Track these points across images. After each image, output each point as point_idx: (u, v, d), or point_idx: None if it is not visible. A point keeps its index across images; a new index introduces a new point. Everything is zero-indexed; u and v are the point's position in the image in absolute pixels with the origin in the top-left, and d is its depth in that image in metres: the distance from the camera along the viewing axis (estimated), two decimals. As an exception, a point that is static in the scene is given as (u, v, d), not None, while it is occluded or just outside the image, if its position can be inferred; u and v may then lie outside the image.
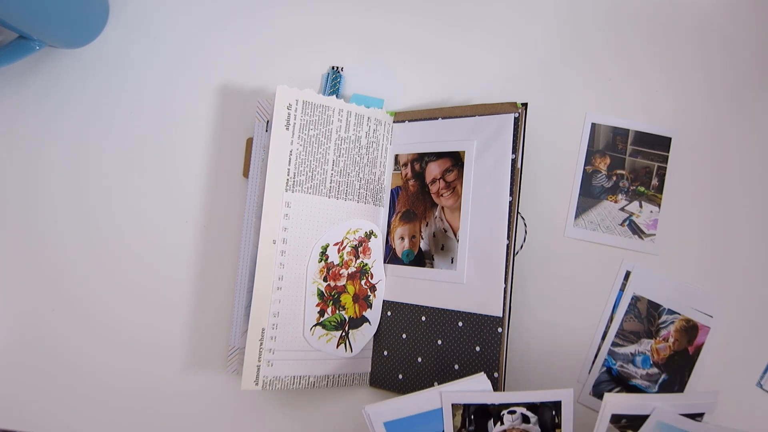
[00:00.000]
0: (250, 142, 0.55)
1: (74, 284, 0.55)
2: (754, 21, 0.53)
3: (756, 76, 0.52)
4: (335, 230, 0.51)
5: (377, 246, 0.52)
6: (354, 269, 0.51)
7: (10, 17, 0.49)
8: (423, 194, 0.51)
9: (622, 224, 0.50)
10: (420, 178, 0.52)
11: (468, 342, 0.47)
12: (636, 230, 0.50)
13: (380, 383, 0.51)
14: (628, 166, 0.51)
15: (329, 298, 0.50)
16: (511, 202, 0.47)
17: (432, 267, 0.50)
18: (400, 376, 0.50)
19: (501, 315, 0.46)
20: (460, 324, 0.48)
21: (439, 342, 0.48)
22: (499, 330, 0.46)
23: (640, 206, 0.51)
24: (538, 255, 0.51)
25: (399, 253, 0.52)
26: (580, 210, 0.51)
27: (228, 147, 0.56)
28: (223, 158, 0.56)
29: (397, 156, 0.53)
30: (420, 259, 0.50)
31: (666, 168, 0.51)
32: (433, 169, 0.51)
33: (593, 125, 0.52)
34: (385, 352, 0.51)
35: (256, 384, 0.47)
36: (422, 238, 0.51)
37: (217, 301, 0.54)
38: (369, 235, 0.52)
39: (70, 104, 0.58)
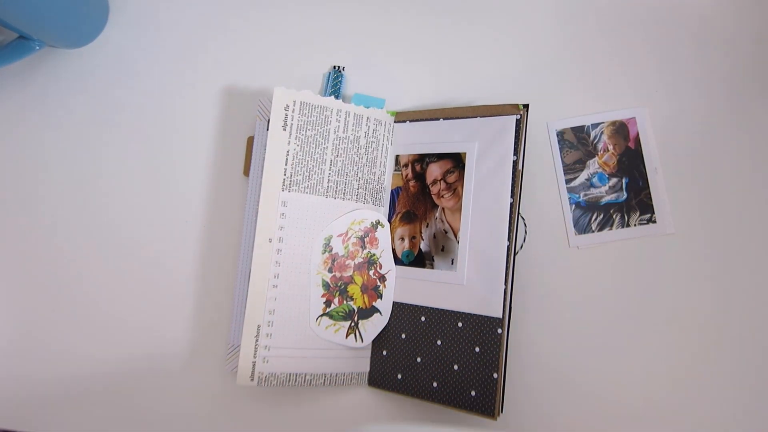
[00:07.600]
0: (250, 141, 0.55)
1: (74, 284, 0.55)
2: (755, 21, 0.52)
3: (756, 76, 0.52)
4: (338, 222, 0.51)
5: (385, 236, 0.52)
6: (361, 260, 0.51)
7: (10, 17, 0.49)
8: (423, 195, 0.51)
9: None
10: (421, 179, 0.51)
11: (467, 342, 0.47)
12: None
13: (379, 383, 0.51)
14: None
15: (335, 288, 0.50)
16: (512, 204, 0.47)
17: (432, 268, 0.50)
18: (399, 376, 0.50)
19: (501, 316, 0.46)
20: (460, 324, 0.47)
21: (439, 342, 0.48)
22: (499, 331, 0.46)
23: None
24: (538, 255, 0.51)
25: (399, 254, 0.51)
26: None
27: (228, 146, 0.56)
28: (223, 157, 0.56)
29: (397, 156, 0.53)
30: (420, 259, 0.50)
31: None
32: (434, 170, 0.51)
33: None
34: (384, 352, 0.51)
35: (252, 380, 0.48)
36: (422, 239, 0.51)
37: (217, 300, 0.54)
38: (375, 225, 0.52)
39: (70, 104, 0.57)
